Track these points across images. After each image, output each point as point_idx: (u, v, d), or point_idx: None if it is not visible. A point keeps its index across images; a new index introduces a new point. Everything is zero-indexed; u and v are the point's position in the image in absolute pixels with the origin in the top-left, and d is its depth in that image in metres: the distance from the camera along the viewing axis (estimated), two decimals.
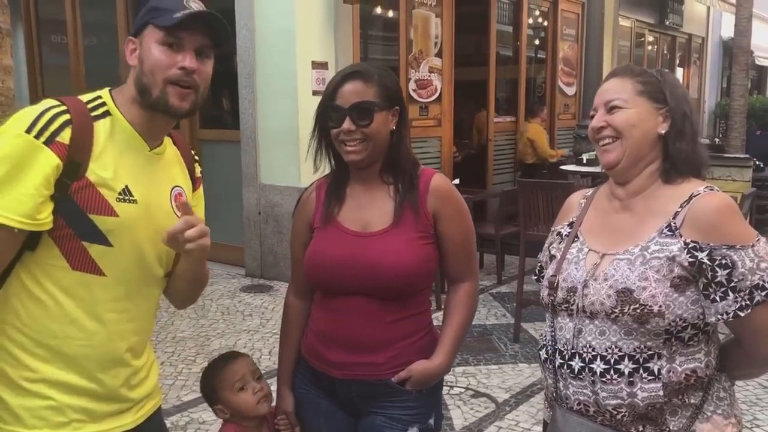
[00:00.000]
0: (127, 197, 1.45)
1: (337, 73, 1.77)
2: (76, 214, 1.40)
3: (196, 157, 1.73)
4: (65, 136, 1.37)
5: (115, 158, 1.45)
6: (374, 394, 1.76)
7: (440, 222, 1.76)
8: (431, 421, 1.81)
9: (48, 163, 1.35)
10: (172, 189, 1.59)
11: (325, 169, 1.85)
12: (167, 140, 1.60)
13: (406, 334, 1.75)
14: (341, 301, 1.74)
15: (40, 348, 1.44)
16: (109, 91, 1.52)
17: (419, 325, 1.79)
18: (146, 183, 1.50)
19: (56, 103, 1.41)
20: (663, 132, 1.50)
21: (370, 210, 1.76)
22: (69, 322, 1.44)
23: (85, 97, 1.49)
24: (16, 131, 1.35)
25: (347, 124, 1.68)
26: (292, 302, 1.91)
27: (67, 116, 1.39)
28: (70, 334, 1.45)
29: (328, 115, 1.73)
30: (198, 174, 1.71)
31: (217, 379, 1.92)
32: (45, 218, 1.37)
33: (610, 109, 1.52)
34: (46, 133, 1.35)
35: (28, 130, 1.34)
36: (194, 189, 1.68)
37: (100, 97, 1.49)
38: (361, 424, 1.81)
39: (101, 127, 1.44)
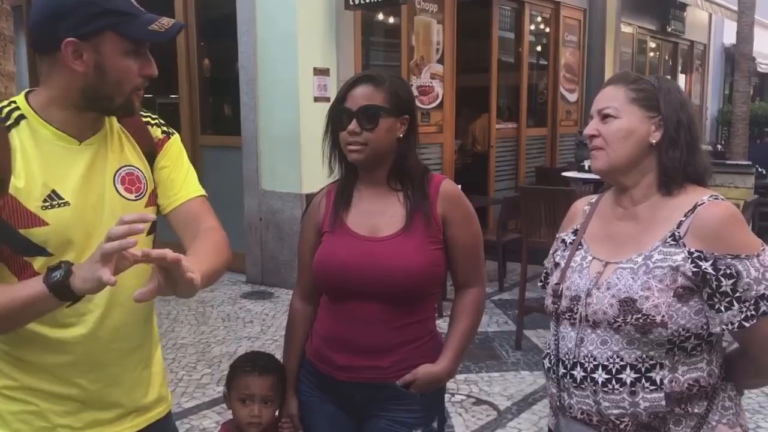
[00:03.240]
0: (55, 202, 1.37)
1: (351, 77, 1.80)
2: (7, 231, 1.34)
3: (152, 119, 1.60)
4: None
5: (38, 164, 1.37)
6: (379, 397, 1.77)
7: (449, 226, 1.78)
8: (435, 425, 1.82)
9: None
10: (116, 172, 1.48)
11: (334, 175, 1.86)
12: (107, 123, 1.49)
13: (411, 338, 1.76)
14: (349, 305, 1.75)
15: (15, 359, 1.42)
16: (25, 95, 1.43)
17: (424, 330, 1.80)
18: (79, 180, 1.41)
19: None
20: (654, 141, 1.50)
21: (380, 215, 1.78)
22: (33, 334, 1.40)
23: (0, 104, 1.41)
24: None
25: (353, 126, 1.71)
26: (298, 306, 1.92)
27: None
28: (38, 343, 1.41)
29: (337, 117, 1.76)
30: (159, 135, 1.59)
31: (234, 375, 1.92)
32: None
33: (603, 117, 1.52)
34: None
35: None
36: (158, 151, 1.57)
37: (14, 101, 1.41)
38: (365, 427, 1.82)
39: (17, 135, 1.36)
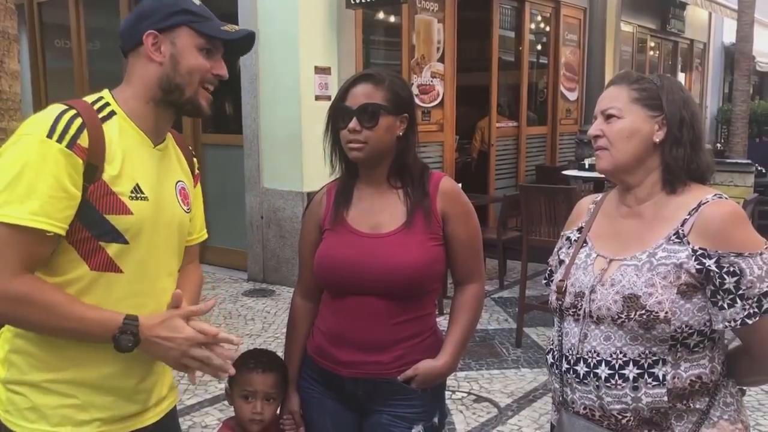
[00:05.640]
0: (139, 194, 1.47)
1: (351, 76, 1.82)
2: (94, 216, 1.41)
3: (194, 153, 1.78)
4: (84, 140, 1.38)
5: (125, 157, 1.46)
6: (380, 392, 1.78)
7: (449, 223, 1.79)
8: (436, 420, 1.84)
9: (74, 166, 1.36)
10: (176, 183, 1.61)
11: (335, 173, 1.88)
12: (169, 136, 1.63)
13: (412, 334, 1.78)
14: (350, 301, 1.76)
15: (64, 350, 1.44)
16: (109, 91, 1.53)
17: (425, 326, 1.82)
18: (154, 179, 1.52)
19: (66, 107, 1.41)
20: (658, 140, 1.51)
21: (380, 212, 1.79)
22: None
23: (89, 99, 1.49)
24: (38, 137, 1.35)
25: (353, 124, 1.72)
26: (299, 303, 1.94)
27: (80, 120, 1.40)
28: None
29: (338, 115, 1.77)
30: (197, 170, 1.75)
31: (237, 372, 1.91)
32: (68, 223, 1.38)
33: (607, 117, 1.54)
34: (67, 137, 1.36)
35: (50, 135, 1.35)
36: (195, 183, 1.73)
37: (102, 97, 1.51)
38: (366, 422, 1.83)
39: (109, 128, 1.46)
